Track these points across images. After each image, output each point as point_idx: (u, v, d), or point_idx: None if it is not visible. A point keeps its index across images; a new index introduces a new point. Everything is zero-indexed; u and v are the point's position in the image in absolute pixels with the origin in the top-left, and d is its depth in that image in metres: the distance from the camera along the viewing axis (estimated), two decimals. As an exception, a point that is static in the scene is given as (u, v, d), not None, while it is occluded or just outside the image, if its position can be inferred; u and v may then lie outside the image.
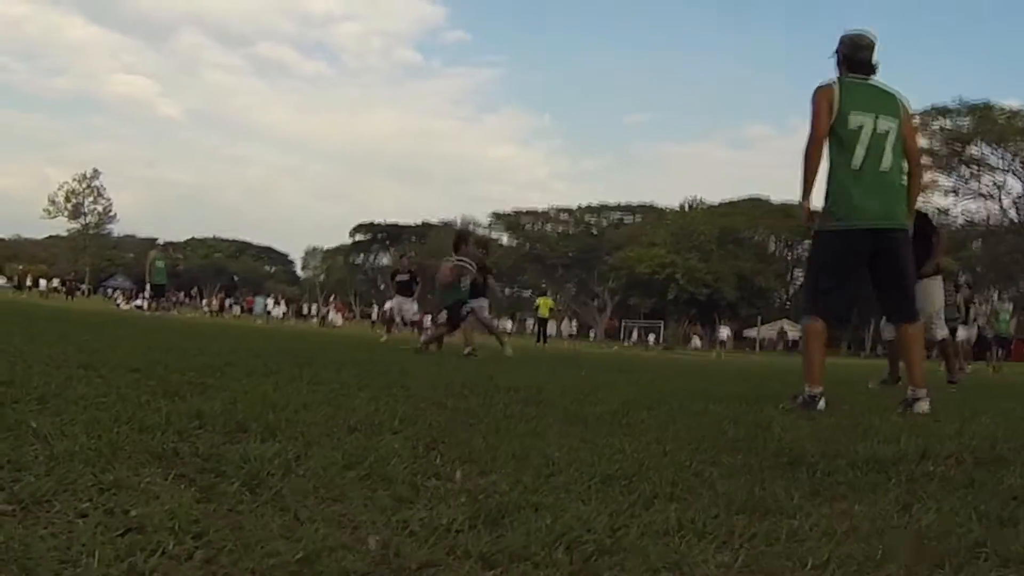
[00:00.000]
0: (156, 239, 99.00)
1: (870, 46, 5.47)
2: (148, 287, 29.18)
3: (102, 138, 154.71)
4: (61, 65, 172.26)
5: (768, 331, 66.07)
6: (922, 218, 9.52)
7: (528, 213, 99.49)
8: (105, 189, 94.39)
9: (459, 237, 13.86)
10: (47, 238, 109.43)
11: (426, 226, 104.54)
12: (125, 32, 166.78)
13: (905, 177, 5.47)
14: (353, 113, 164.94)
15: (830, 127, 5.27)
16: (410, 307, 19.27)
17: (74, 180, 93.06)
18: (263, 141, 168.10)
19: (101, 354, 5.64)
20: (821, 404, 5.18)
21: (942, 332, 9.31)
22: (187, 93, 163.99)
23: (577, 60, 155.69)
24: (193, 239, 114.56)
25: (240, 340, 11.72)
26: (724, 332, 57.48)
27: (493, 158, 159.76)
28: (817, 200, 5.37)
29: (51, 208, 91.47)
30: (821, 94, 5.31)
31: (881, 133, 5.22)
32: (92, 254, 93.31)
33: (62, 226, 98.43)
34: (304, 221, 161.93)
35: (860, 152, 5.19)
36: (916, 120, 5.25)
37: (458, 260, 12.79)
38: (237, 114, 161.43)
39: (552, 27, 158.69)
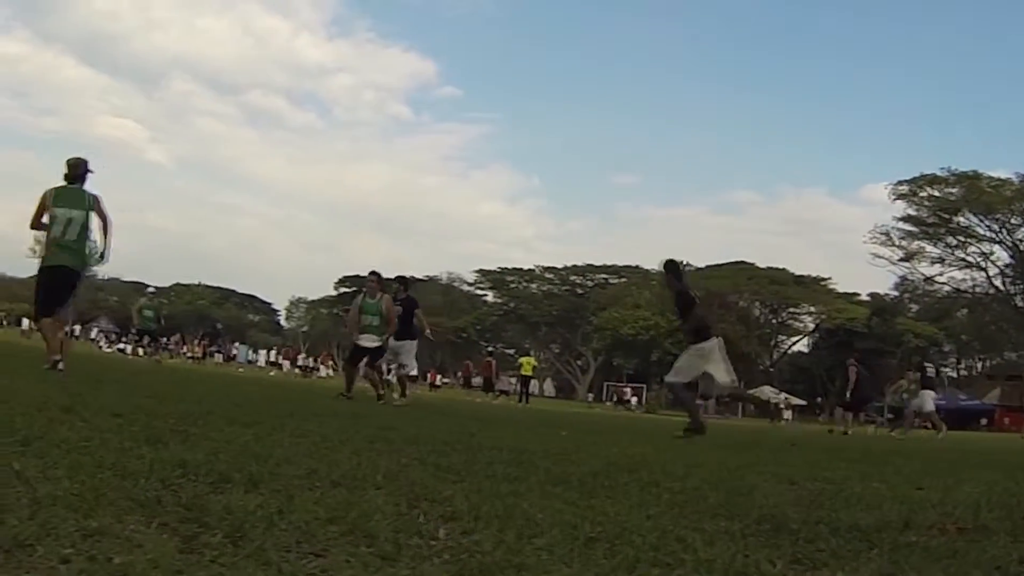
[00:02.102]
0: (142, 283, 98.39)
1: (76, 164, 9.75)
2: (135, 332, 29.31)
3: (88, 180, 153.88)
4: (52, 105, 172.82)
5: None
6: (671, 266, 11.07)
7: (513, 271, 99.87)
8: (91, 231, 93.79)
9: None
10: (31, 277, 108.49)
11: (413, 280, 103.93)
12: (116, 75, 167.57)
13: (90, 243, 9.85)
14: (342, 165, 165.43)
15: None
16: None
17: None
18: (251, 190, 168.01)
19: (84, 397, 5.60)
20: (61, 365, 9.03)
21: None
22: (176, 139, 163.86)
23: (567, 120, 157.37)
24: (178, 285, 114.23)
25: (222, 388, 11.69)
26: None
27: (479, 215, 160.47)
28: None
29: (36, 248, 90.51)
30: (44, 195, 9.49)
31: (73, 218, 9.49)
32: (78, 296, 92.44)
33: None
34: (289, 271, 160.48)
35: (58, 228, 9.39)
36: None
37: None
38: (226, 162, 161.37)
39: (543, 87, 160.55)
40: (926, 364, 28.75)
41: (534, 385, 43.65)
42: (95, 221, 9.67)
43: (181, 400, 6.98)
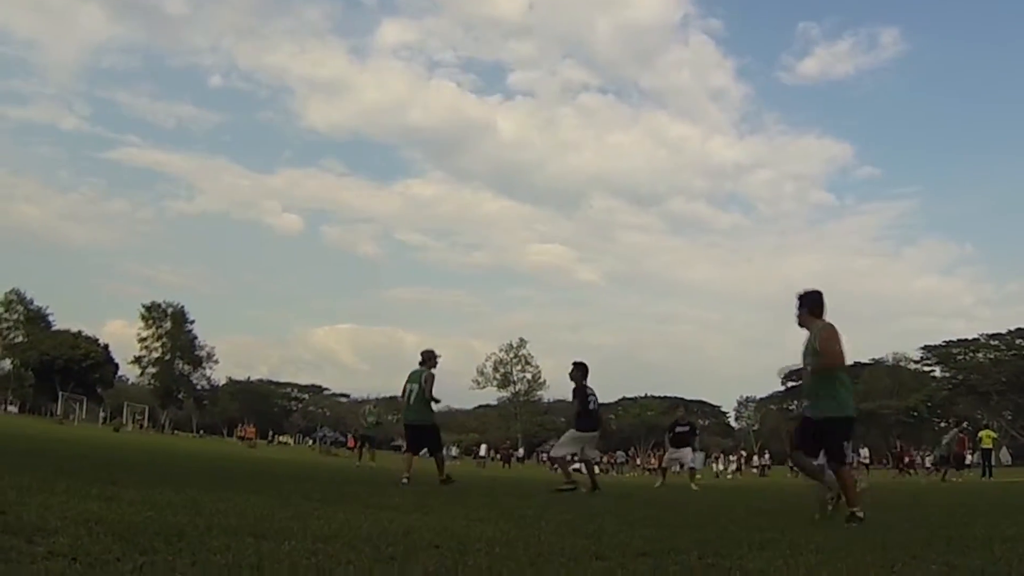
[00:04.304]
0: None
1: (423, 354, 13.93)
2: (360, 436, 32.23)
3: (522, 307, 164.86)
4: (477, 240, 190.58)
5: None
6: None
7: (958, 343, 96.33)
8: (533, 357, 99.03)
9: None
10: (476, 408, 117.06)
11: (858, 366, 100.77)
12: (536, 203, 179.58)
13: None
14: (773, 259, 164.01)
15: None
16: (689, 455, 20.82)
17: (501, 350, 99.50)
18: (684, 296, 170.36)
19: (603, 537, 5.46)
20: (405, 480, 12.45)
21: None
22: (604, 256, 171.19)
23: (991, 179, 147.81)
24: (624, 399, 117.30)
25: (721, 503, 11.61)
26: None
27: (916, 291, 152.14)
28: None
29: (480, 379, 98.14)
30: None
31: (412, 389, 13.40)
32: (523, 421, 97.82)
33: (490, 396, 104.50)
34: (734, 372, 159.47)
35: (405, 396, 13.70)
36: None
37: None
38: (655, 272, 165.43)
39: (960, 149, 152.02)
40: None
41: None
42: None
43: (685, 526, 6.84)
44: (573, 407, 14.12)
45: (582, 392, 13.80)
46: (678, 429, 21.10)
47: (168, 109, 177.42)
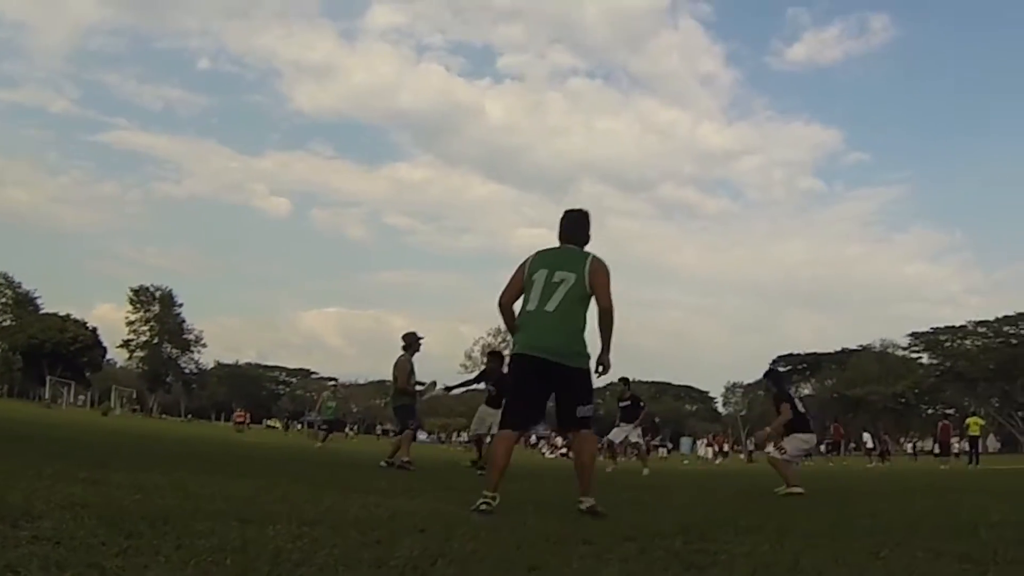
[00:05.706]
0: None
1: (405, 336, 13.43)
2: (321, 422, 32.01)
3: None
4: (466, 224, 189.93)
5: None
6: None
7: (946, 330, 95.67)
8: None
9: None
10: (464, 392, 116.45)
11: (845, 352, 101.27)
12: (524, 187, 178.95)
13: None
14: (762, 246, 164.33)
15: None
16: (633, 432, 20.17)
17: (489, 335, 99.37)
18: (673, 282, 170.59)
19: (589, 522, 5.58)
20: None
21: None
22: (592, 241, 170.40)
23: (979, 164, 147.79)
24: (612, 384, 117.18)
25: (704, 488, 11.66)
26: None
27: (906, 277, 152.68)
28: None
29: (468, 363, 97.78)
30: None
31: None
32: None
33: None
34: (722, 357, 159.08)
35: None
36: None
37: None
38: (644, 258, 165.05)
39: (949, 135, 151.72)
40: None
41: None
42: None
43: (669, 508, 6.98)
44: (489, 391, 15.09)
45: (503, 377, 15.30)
46: (622, 404, 20.81)
47: (156, 92, 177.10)
